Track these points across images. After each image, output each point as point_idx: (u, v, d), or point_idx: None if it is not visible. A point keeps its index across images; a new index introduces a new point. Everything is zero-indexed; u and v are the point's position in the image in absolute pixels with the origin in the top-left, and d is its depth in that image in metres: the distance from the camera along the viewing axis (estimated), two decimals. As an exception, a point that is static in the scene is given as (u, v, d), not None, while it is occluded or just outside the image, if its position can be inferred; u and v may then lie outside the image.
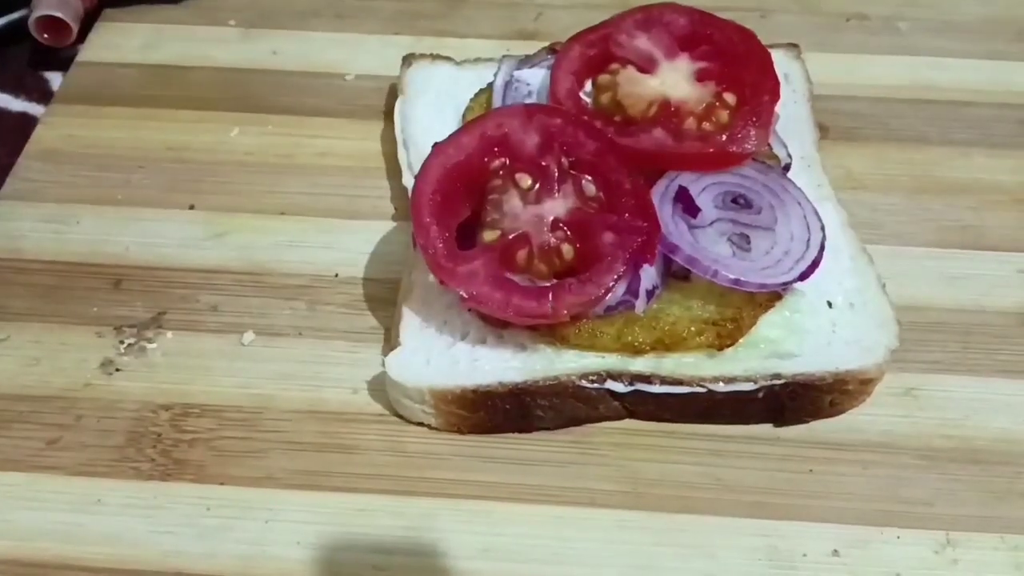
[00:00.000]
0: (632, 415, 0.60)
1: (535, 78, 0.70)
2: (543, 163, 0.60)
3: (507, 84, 0.70)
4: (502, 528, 0.56)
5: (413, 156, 0.68)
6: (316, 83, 0.78)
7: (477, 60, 0.75)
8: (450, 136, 0.62)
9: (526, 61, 0.71)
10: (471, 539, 0.55)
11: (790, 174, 0.66)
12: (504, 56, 0.72)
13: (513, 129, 0.61)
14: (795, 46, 0.76)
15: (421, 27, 0.82)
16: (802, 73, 0.74)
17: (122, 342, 0.63)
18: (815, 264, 0.60)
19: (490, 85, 0.70)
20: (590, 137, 0.61)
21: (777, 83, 0.65)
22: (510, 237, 0.59)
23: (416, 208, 0.59)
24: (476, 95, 0.71)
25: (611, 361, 0.59)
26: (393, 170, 0.71)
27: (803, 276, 0.60)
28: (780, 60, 0.74)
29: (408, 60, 0.75)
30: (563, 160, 0.61)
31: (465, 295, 0.57)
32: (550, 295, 0.57)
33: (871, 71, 0.78)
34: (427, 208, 0.59)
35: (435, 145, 0.61)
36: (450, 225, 0.60)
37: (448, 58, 0.75)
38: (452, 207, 0.60)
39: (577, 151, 0.61)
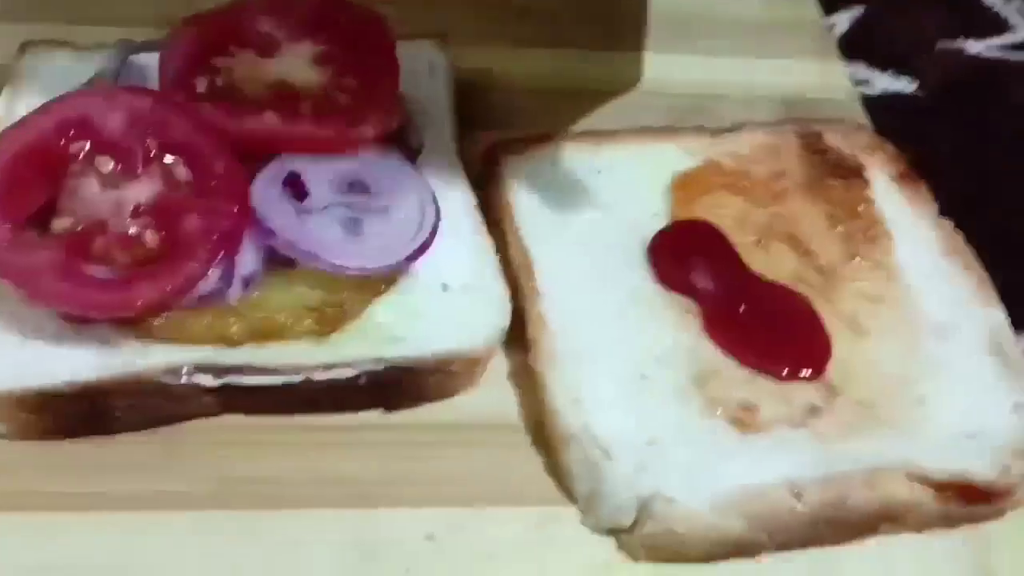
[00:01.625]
0: (229, 410, 0.57)
1: (151, 61, 0.66)
2: (126, 146, 0.57)
3: (120, 68, 0.66)
4: (64, 541, 0.51)
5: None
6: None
7: (102, 46, 0.70)
8: (24, 117, 0.57)
9: (145, 45, 0.67)
10: (28, 556, 0.50)
11: (420, 159, 0.65)
12: (121, 40, 0.68)
13: (94, 110, 0.57)
14: (443, 36, 0.75)
15: (50, 11, 0.77)
16: (446, 63, 0.73)
17: None
18: (424, 247, 0.59)
19: (103, 71, 0.66)
20: (181, 118, 0.58)
21: (397, 67, 0.64)
22: (85, 223, 0.55)
23: (-29, 196, 0.54)
24: (88, 81, 0.66)
25: (200, 354, 0.55)
26: None
27: (410, 258, 0.59)
28: (426, 50, 0.73)
29: (24, 47, 0.69)
30: (149, 143, 0.57)
31: (24, 289, 0.52)
32: (122, 286, 0.53)
33: (524, 63, 0.79)
34: (-15, 192, 0.54)
35: (6, 128, 0.56)
36: (15, 214, 0.54)
37: (70, 44, 0.70)
38: (21, 195, 0.55)
39: (166, 133, 0.57)
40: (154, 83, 0.66)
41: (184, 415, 0.56)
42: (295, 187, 0.60)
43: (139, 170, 0.56)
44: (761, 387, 0.60)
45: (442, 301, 0.60)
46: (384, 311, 0.59)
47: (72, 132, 0.56)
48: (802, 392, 0.60)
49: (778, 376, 0.60)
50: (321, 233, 0.58)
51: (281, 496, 0.53)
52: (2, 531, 0.51)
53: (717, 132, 0.72)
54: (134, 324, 0.55)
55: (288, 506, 0.53)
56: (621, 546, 0.55)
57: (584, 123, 0.74)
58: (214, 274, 0.55)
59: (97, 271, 0.54)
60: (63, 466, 0.53)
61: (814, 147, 0.72)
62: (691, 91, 0.78)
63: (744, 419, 0.58)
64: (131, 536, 0.51)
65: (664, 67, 0.80)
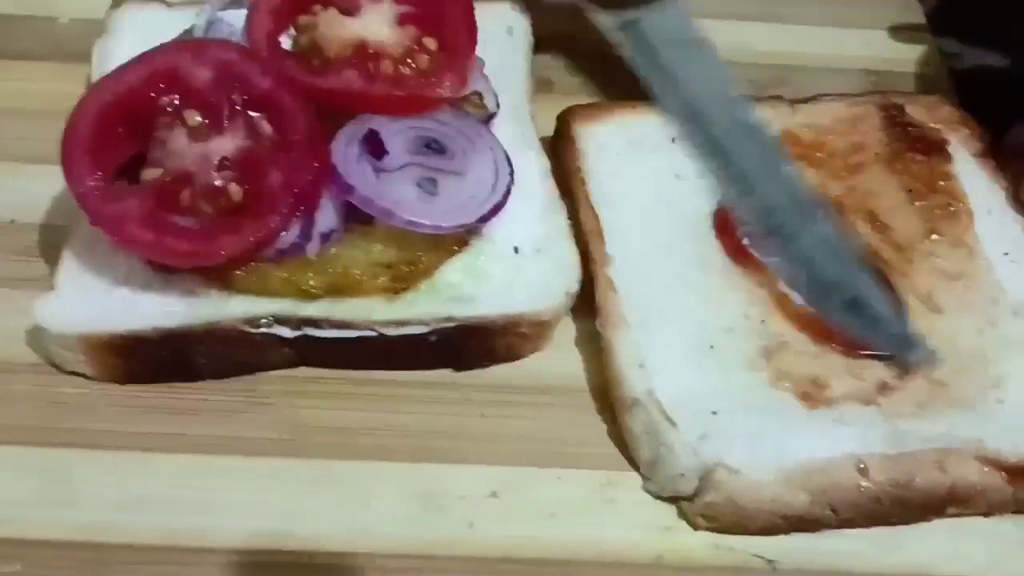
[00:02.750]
0: (305, 362, 0.58)
1: (239, 19, 0.67)
2: (213, 100, 0.58)
3: (210, 25, 0.67)
4: (147, 480, 0.53)
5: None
6: (26, 26, 0.74)
7: (191, 2, 0.71)
8: (116, 70, 0.59)
9: (234, 2, 0.68)
10: (113, 492, 0.53)
11: (495, 122, 0.66)
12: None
13: (183, 64, 0.58)
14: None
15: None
16: (526, 27, 0.73)
17: None
18: (497, 208, 0.60)
19: (193, 27, 0.68)
20: (266, 74, 0.59)
21: (475, 29, 0.64)
22: (173, 175, 0.56)
23: (67, 145, 0.55)
24: (178, 38, 0.67)
25: (279, 306, 0.56)
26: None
27: (483, 219, 0.59)
28: (505, 13, 0.74)
29: (118, 1, 0.71)
30: (235, 97, 0.58)
31: (114, 236, 0.54)
32: (207, 236, 0.55)
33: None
34: (79, 145, 0.55)
35: (100, 79, 0.58)
36: (107, 164, 0.56)
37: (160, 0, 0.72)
38: (111, 145, 0.57)
39: (252, 88, 0.58)
40: (241, 39, 0.68)
41: (263, 365, 0.58)
42: (373, 146, 0.60)
43: (225, 124, 0.58)
44: (832, 363, 0.59)
45: (513, 263, 0.60)
46: (456, 271, 0.59)
47: (162, 85, 0.58)
48: (873, 369, 0.59)
49: (850, 352, 0.59)
50: (397, 192, 0.59)
51: (352, 446, 0.55)
52: (89, 468, 0.53)
53: (795, 102, 0.71)
54: (217, 274, 0.57)
55: (358, 456, 0.55)
56: (682, 513, 0.55)
57: None
58: (294, 229, 0.57)
59: (183, 221, 0.56)
60: (147, 409, 0.56)
61: (896, 120, 0.71)
62: (774, 61, 0.76)
63: (812, 394, 0.58)
64: (210, 477, 0.53)
65: (747, 35, 0.78)
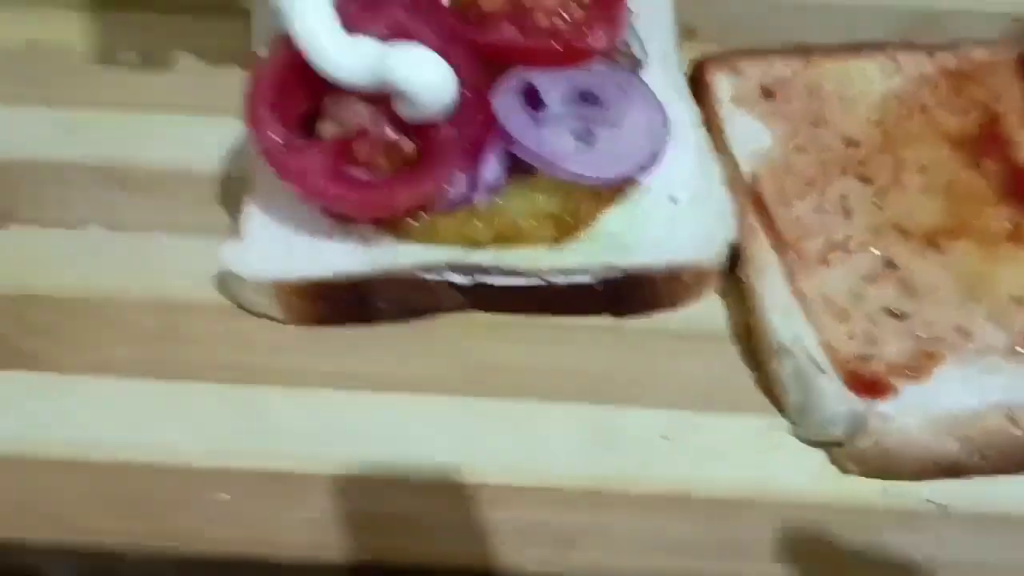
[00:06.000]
0: (477, 307, 0.61)
1: (395, -28, 0.69)
2: (385, 56, 0.60)
3: (370, -21, 0.69)
4: (337, 414, 0.57)
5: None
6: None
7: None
8: (292, 28, 0.61)
9: (388, -44, 0.70)
10: (302, 424, 0.57)
11: (645, 71, 0.67)
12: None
13: (356, 19, 0.60)
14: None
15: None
16: (669, -26, 0.74)
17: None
18: (654, 158, 0.61)
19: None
20: (434, 31, 0.60)
21: (625, -20, 0.65)
22: (349, 130, 0.59)
23: (251, 103, 0.58)
24: (336, -10, 0.70)
25: (452, 254, 0.59)
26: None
27: (642, 169, 0.61)
28: (652, -40, 0.74)
29: (271, -45, 0.74)
30: (405, 49, 0.61)
31: (299, 189, 0.58)
32: (386, 188, 0.58)
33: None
34: (263, 103, 0.58)
35: (276, 37, 0.61)
36: (288, 120, 0.59)
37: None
38: (291, 102, 0.59)
39: (422, 42, 0.61)
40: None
41: (437, 309, 0.61)
42: (531, 98, 0.62)
43: (397, 79, 0.60)
44: (978, 311, 0.60)
45: (671, 213, 0.62)
46: (616, 221, 0.61)
47: (336, 42, 0.61)
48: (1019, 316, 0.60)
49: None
50: (557, 143, 0.61)
51: (524, 385, 0.58)
52: (282, 404, 0.57)
53: (932, 49, 0.70)
54: (393, 225, 0.59)
55: (531, 395, 0.58)
56: (832, 459, 0.57)
57: (802, 35, 0.72)
58: (462, 180, 0.60)
59: (360, 174, 0.59)
60: (333, 349, 0.59)
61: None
62: (918, 5, 0.75)
63: (959, 343, 0.59)
64: (396, 413, 0.57)
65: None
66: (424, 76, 0.55)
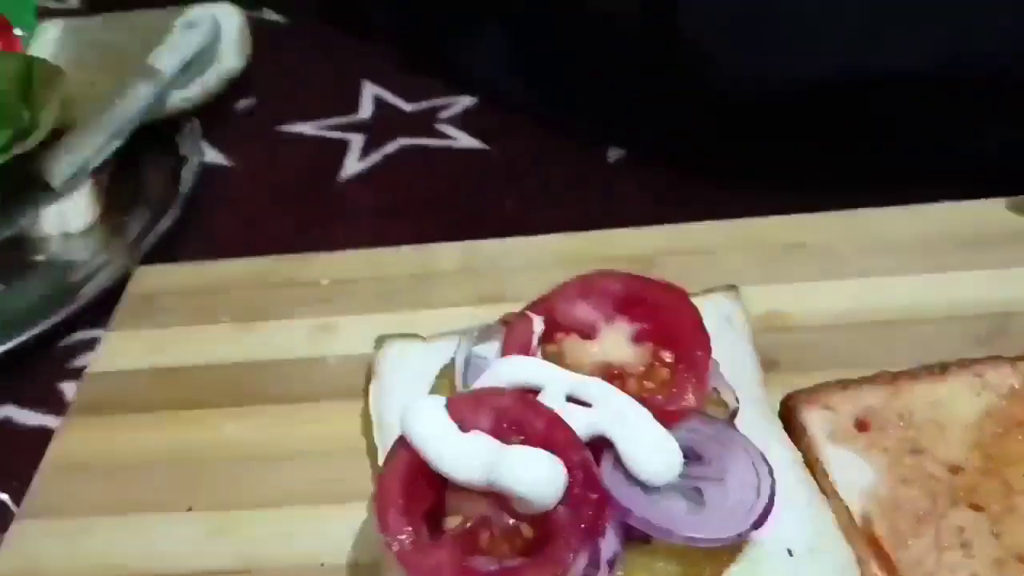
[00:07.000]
0: None
1: (492, 353, 0.76)
2: (496, 444, 0.65)
3: (467, 363, 0.75)
4: None
5: (387, 438, 0.73)
6: (300, 369, 0.85)
7: (445, 335, 0.80)
8: (410, 428, 0.67)
9: (482, 337, 0.77)
10: None
11: (738, 417, 0.70)
12: (462, 334, 0.77)
13: (467, 414, 0.65)
14: (733, 287, 0.81)
15: (396, 302, 0.90)
16: (742, 313, 0.79)
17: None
18: (767, 512, 0.62)
19: (452, 362, 0.76)
20: (538, 415, 0.66)
21: (707, 337, 0.70)
22: (471, 522, 0.62)
23: (380, 505, 0.63)
24: (440, 374, 0.76)
25: (579, 633, 0.61)
26: (373, 449, 0.76)
27: (756, 525, 0.62)
28: (720, 302, 0.79)
29: (380, 341, 0.82)
30: (514, 440, 0.65)
31: (432, 588, 0.60)
32: (510, 576, 0.61)
33: (813, 299, 0.83)
34: (392, 504, 0.63)
35: (399, 437, 0.66)
36: (415, 514, 0.63)
37: (417, 336, 0.82)
38: (417, 499, 0.64)
39: (527, 429, 0.65)
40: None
41: None
42: (635, 466, 0.66)
43: (509, 468, 0.64)
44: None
45: (791, 567, 0.62)
46: (737, 579, 0.63)
47: (452, 437, 0.66)
48: None
49: None
50: (669, 508, 0.63)
51: None
52: None
53: (1016, 360, 0.71)
54: (517, 609, 0.62)
55: None
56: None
57: (881, 357, 0.75)
58: (582, 558, 0.62)
59: (485, 562, 0.62)
60: None
61: None
62: (990, 310, 0.78)
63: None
64: None
65: (957, 286, 0.81)
66: (535, 477, 0.59)
